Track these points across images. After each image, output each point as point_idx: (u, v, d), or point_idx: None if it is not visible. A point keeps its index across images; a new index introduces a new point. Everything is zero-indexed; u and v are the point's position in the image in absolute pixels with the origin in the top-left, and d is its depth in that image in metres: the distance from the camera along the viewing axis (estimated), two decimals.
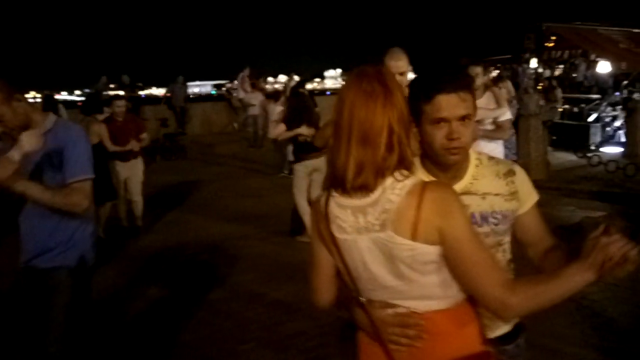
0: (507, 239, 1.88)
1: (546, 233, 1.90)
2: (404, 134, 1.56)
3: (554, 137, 12.15)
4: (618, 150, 11.89)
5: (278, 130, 6.32)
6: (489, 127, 5.17)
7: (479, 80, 5.11)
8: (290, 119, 6.22)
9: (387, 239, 1.52)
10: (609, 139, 12.77)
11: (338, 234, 1.60)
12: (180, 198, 8.99)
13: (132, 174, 7.06)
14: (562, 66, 16.63)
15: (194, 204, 8.72)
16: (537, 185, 7.41)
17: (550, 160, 10.55)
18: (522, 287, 1.52)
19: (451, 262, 1.53)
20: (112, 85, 17.68)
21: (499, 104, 5.18)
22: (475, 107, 1.72)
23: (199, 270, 5.79)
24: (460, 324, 1.62)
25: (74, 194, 2.55)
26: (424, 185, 1.54)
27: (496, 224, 1.82)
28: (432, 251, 1.52)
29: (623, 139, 12.23)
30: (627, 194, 7.99)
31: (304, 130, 6.06)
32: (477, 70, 5.11)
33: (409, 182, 1.54)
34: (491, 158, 1.89)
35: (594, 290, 4.85)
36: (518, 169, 1.88)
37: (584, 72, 16.97)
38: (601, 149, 12.09)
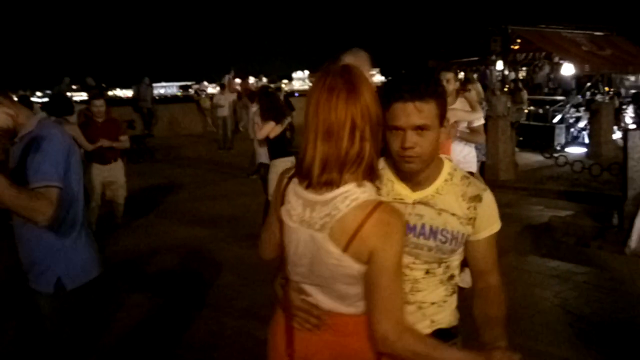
0: (452, 258, 1.83)
1: (490, 270, 1.87)
2: (369, 130, 1.59)
3: (521, 138, 12.39)
4: (582, 150, 12.18)
5: (268, 127, 6.14)
6: (465, 131, 5.21)
7: (451, 86, 5.12)
8: (271, 115, 6.14)
9: (321, 241, 1.58)
10: (573, 140, 13.08)
11: (284, 218, 1.70)
12: (148, 202, 8.81)
13: (113, 177, 6.94)
14: (525, 68, 16.94)
15: (163, 208, 8.56)
16: (506, 185, 7.59)
17: (518, 160, 10.73)
18: (411, 337, 1.58)
19: (366, 282, 1.58)
20: (74, 87, 17.31)
21: (473, 109, 5.21)
22: (438, 117, 1.67)
23: (170, 275, 5.68)
24: (360, 331, 1.65)
25: (39, 199, 2.27)
26: (377, 204, 1.58)
27: (443, 242, 1.78)
28: (356, 268, 1.58)
29: (587, 140, 12.54)
30: (592, 193, 8.16)
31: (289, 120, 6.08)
32: (449, 76, 5.12)
33: (363, 197, 1.58)
34: (465, 177, 1.84)
35: (568, 288, 4.94)
36: (487, 197, 1.82)
37: (548, 74, 17.35)
38: (566, 150, 12.37)
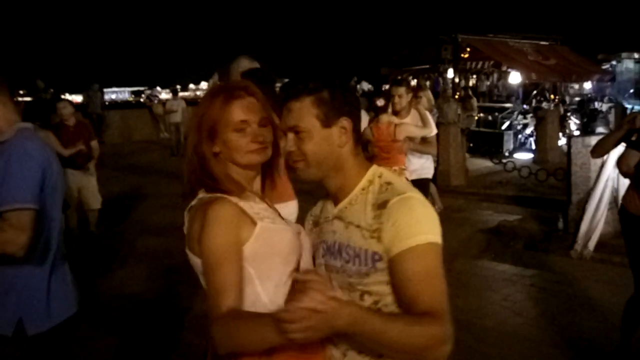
0: (368, 283, 1.47)
1: (423, 308, 1.35)
2: (202, 138, 1.60)
3: (471, 144, 12.69)
4: (529, 156, 12.56)
5: None
6: (417, 143, 5.25)
7: (404, 101, 5.16)
8: None
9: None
10: (521, 146, 13.48)
11: None
12: (100, 210, 8.59)
13: (87, 182, 6.81)
14: (475, 76, 17.37)
15: (114, 217, 8.36)
16: (457, 190, 7.69)
17: (468, 166, 10.98)
18: (226, 320, 1.41)
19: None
20: (21, 92, 16.78)
21: (424, 123, 5.22)
22: (318, 117, 1.51)
23: (134, 287, 5.55)
24: None
25: (5, 230, 1.94)
26: (209, 200, 1.54)
27: (347, 261, 1.50)
28: (199, 263, 1.55)
29: (534, 146, 12.95)
30: (539, 198, 8.43)
31: None
32: (400, 91, 5.15)
33: (196, 199, 1.59)
34: (387, 184, 1.52)
35: (516, 291, 5.07)
36: (398, 203, 1.44)
37: (496, 82, 17.84)
38: (514, 156, 12.74)
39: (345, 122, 1.53)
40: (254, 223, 1.53)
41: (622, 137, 3.42)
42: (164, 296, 5.19)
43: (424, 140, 5.27)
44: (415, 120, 5.24)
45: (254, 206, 1.58)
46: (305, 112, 1.51)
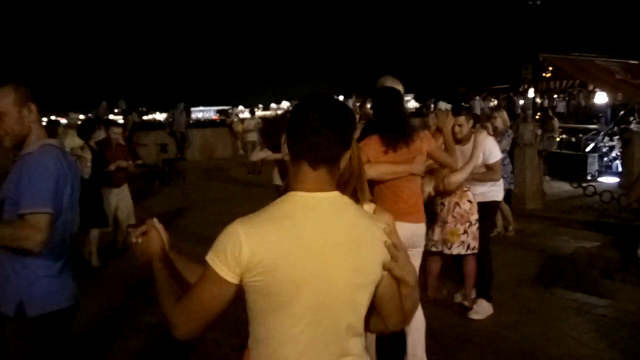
0: None
1: None
2: None
3: (551, 167, 12.20)
4: (615, 180, 11.91)
5: (261, 154, 6.31)
6: (481, 169, 5.03)
7: (465, 129, 4.94)
8: (268, 144, 6.30)
9: None
10: (606, 169, 12.81)
11: None
12: (174, 223, 8.98)
13: (124, 200, 7.12)
14: (557, 96, 16.75)
15: (187, 230, 8.69)
16: (533, 214, 7.40)
17: (547, 189, 10.57)
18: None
19: None
20: (116, 110, 17.86)
21: (473, 151, 4.81)
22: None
23: None
24: None
25: (24, 227, 2.28)
26: None
27: None
28: None
29: (620, 169, 12.28)
30: (620, 224, 7.98)
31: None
32: (460, 120, 4.92)
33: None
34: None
35: (585, 321, 4.83)
36: None
37: (582, 102, 17.09)
38: (599, 179, 12.12)
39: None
40: None
41: None
42: None
43: (487, 166, 5.08)
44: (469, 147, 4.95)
45: None
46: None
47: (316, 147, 1.53)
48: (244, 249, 1.47)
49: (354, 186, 1.96)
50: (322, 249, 1.51)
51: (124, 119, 15.54)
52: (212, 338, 4.42)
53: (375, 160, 3.52)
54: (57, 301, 2.47)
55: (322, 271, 1.51)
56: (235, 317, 4.82)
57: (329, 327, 1.54)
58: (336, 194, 1.59)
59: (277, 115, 8.11)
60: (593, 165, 12.69)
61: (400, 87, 3.77)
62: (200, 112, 57.80)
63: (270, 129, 5.44)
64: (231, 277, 1.49)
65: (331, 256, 1.52)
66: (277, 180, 6.57)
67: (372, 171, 3.39)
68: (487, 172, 5.09)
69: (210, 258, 1.51)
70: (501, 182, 5.58)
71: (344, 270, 1.53)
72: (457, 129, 4.89)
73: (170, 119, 17.52)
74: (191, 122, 22.63)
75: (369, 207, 1.95)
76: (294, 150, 1.57)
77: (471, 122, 5.10)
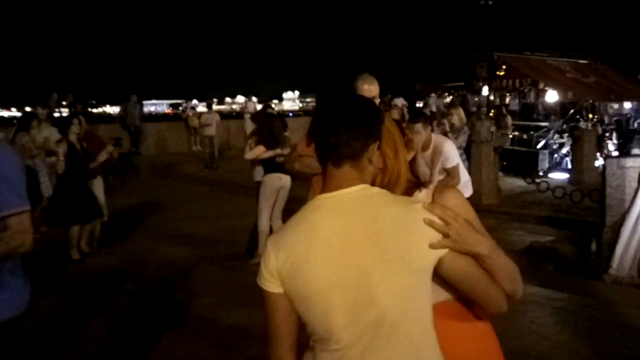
0: None
1: None
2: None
3: (505, 163, 12.50)
4: (565, 176, 12.31)
5: (257, 151, 6.25)
6: (440, 176, 5.01)
7: (422, 136, 4.87)
8: (265, 140, 6.23)
9: None
10: (556, 166, 13.22)
11: None
12: (131, 220, 8.77)
13: (99, 191, 7.07)
14: (510, 94, 17.17)
15: (145, 226, 8.52)
16: (489, 209, 7.52)
17: (501, 185, 10.82)
18: None
19: None
20: (64, 103, 17.31)
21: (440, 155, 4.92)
22: None
23: (149, 295, 5.64)
24: None
25: (13, 238, 2.13)
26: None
27: None
28: None
29: (570, 166, 12.69)
30: (573, 219, 8.24)
31: (284, 151, 6.10)
32: (418, 127, 4.83)
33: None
34: None
35: (545, 314, 4.96)
36: None
37: (533, 101, 17.57)
38: (549, 175, 12.50)
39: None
40: None
41: None
42: (182, 303, 5.25)
43: (447, 171, 5.06)
44: (437, 153, 4.97)
45: None
46: None
47: (336, 145, 1.51)
48: (271, 258, 1.53)
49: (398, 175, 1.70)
50: (341, 246, 1.47)
51: (69, 112, 15.13)
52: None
53: (303, 153, 3.63)
54: (16, 306, 2.27)
55: (346, 268, 1.46)
56: (226, 328, 4.67)
57: (377, 322, 1.46)
58: (360, 187, 1.52)
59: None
60: (544, 161, 13.06)
61: (375, 87, 3.72)
62: (153, 106, 56.73)
63: (272, 127, 5.25)
64: (274, 288, 1.54)
65: (353, 252, 1.46)
66: (258, 177, 6.53)
67: (296, 165, 3.70)
68: (447, 178, 5.03)
69: (258, 278, 1.57)
70: (468, 177, 5.59)
71: (373, 263, 1.46)
72: (415, 136, 4.75)
73: (123, 112, 17.09)
74: (146, 115, 22.10)
75: (425, 192, 1.71)
76: (319, 154, 1.56)
77: (429, 128, 5.05)
